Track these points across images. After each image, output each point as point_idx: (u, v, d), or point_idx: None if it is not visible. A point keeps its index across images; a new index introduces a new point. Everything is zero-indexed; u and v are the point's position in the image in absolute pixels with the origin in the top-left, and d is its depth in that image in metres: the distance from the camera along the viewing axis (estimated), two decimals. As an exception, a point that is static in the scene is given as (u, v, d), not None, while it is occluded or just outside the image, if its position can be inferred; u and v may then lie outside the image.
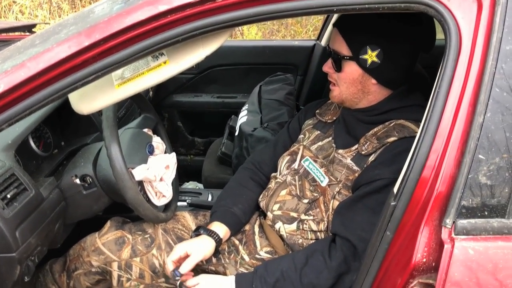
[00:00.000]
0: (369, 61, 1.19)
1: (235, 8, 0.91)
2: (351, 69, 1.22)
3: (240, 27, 4.90)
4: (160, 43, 0.92)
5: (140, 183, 1.32)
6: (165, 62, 1.00)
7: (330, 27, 2.36)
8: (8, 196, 1.12)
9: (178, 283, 1.22)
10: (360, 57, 1.20)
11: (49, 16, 5.86)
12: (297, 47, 2.56)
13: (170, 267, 1.27)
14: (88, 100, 1.03)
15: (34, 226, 1.17)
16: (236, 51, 2.56)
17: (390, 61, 1.20)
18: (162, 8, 0.89)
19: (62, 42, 0.92)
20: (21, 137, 1.29)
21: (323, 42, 2.41)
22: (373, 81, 1.23)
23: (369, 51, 1.19)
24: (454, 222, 0.84)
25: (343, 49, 1.22)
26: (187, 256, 1.27)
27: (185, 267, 1.24)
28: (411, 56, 1.24)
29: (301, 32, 5.18)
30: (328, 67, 1.28)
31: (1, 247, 1.07)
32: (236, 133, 2.09)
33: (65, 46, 0.91)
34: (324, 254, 1.18)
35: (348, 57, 1.21)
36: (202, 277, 1.24)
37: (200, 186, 2.48)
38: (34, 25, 2.36)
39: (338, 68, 1.24)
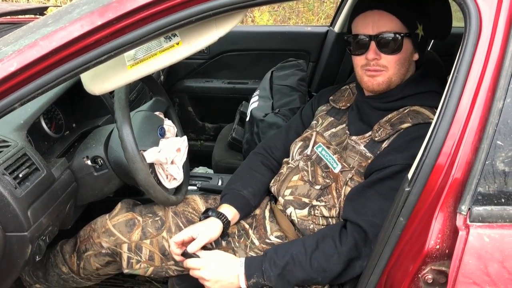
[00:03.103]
0: (420, 36, 1.20)
1: (249, -12, 0.90)
2: (406, 46, 1.20)
3: (252, 14, 4.86)
4: (173, 23, 0.91)
5: (151, 165, 1.32)
6: (178, 43, 0.99)
7: (344, 13, 2.32)
8: (20, 175, 1.12)
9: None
10: (415, 32, 1.19)
11: (60, 1, 5.86)
12: (310, 33, 2.53)
13: (173, 248, 1.27)
14: (100, 81, 1.02)
15: (46, 206, 1.18)
16: (248, 36, 2.54)
17: (428, 34, 1.22)
18: (176, -13, 0.88)
19: (75, 21, 0.92)
20: (33, 118, 1.29)
21: (336, 29, 2.38)
22: (415, 57, 1.24)
23: (419, 26, 1.19)
24: (469, 209, 0.83)
25: (398, 27, 1.17)
26: (191, 239, 1.27)
27: (192, 248, 1.24)
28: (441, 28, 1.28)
29: (313, 20, 5.11)
30: (374, 53, 1.19)
31: (13, 226, 1.08)
32: (247, 118, 2.08)
33: (77, 25, 0.91)
34: (335, 239, 1.17)
35: (407, 34, 1.18)
36: (215, 252, 1.24)
37: (210, 171, 2.48)
38: (46, 8, 2.36)
39: (397, 49, 1.18)
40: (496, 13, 0.86)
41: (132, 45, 0.92)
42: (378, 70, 1.21)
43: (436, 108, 0.92)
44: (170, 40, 0.99)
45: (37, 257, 1.18)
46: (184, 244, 1.28)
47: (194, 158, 2.55)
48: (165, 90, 1.62)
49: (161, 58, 1.00)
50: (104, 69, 1.01)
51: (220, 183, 1.96)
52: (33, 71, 0.92)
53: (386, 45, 1.18)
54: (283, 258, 1.17)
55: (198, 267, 1.20)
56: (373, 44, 1.19)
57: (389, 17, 1.18)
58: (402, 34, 1.18)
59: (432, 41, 2.04)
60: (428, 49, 1.70)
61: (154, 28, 0.91)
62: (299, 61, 2.23)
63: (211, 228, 1.29)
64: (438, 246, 0.86)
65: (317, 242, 1.18)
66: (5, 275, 1.15)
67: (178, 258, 1.28)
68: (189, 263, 1.22)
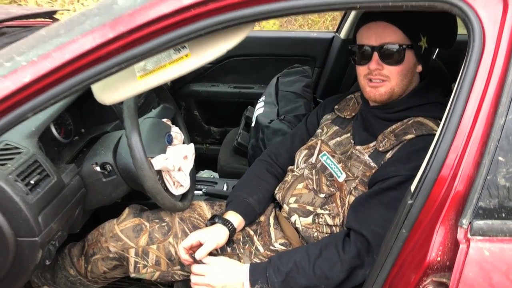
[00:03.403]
0: (423, 48, 1.22)
1: (258, 2, 0.92)
2: (409, 58, 1.21)
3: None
4: (182, 36, 0.93)
5: (159, 172, 1.34)
6: (186, 55, 1.01)
7: (350, 20, 2.34)
8: (32, 182, 1.15)
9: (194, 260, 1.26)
10: (418, 44, 1.21)
11: (68, 0, 5.90)
12: (316, 39, 2.55)
13: (182, 253, 1.30)
14: (111, 91, 1.05)
15: (56, 211, 1.21)
16: (254, 41, 2.56)
17: (432, 46, 1.24)
18: (186, 1, 0.90)
19: (87, 34, 0.94)
20: (44, 125, 1.32)
21: (342, 35, 2.40)
22: (419, 69, 1.25)
23: (422, 38, 1.21)
24: (470, 222, 0.85)
25: (400, 39, 1.19)
26: (199, 244, 1.29)
27: (199, 254, 1.26)
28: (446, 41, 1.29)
29: (319, 22, 5.13)
30: (377, 63, 1.22)
31: (25, 231, 1.11)
32: (253, 124, 2.11)
33: (89, 37, 0.93)
34: (338, 247, 1.19)
35: (409, 46, 1.20)
36: (220, 258, 1.27)
37: (215, 174, 2.51)
38: (54, 12, 2.38)
39: (399, 60, 1.20)
40: (500, 30, 0.87)
41: (142, 57, 0.95)
42: (380, 80, 1.23)
43: (440, 119, 0.94)
44: (179, 52, 1.01)
45: (47, 261, 1.21)
46: (192, 248, 1.30)
47: (200, 162, 2.57)
48: (171, 94, 1.64)
49: (170, 70, 1.02)
50: (115, 80, 1.03)
51: (225, 188, 1.99)
52: (46, 82, 0.94)
53: (389, 56, 1.20)
54: (287, 265, 1.19)
55: (204, 273, 1.23)
56: (375, 55, 1.21)
57: (392, 29, 1.20)
58: (404, 46, 1.19)
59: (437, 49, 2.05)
60: (433, 57, 1.72)
61: (164, 41, 0.93)
62: (305, 68, 2.26)
63: (218, 234, 1.31)
64: (439, 258, 0.87)
65: (320, 250, 1.20)
66: (16, 279, 1.17)
67: (186, 263, 1.30)
68: (195, 269, 1.25)
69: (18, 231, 1.11)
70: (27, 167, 1.16)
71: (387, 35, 1.20)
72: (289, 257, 1.22)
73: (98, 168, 1.34)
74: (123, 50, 0.93)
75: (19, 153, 1.18)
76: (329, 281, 1.18)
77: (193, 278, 1.26)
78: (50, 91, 0.95)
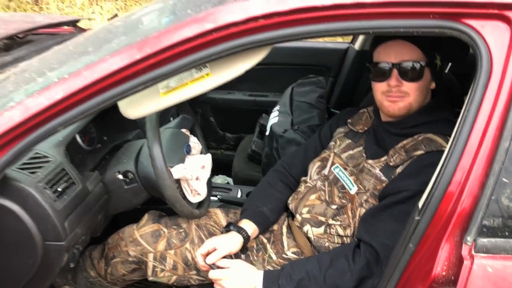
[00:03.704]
0: (438, 66, 1.28)
1: (276, 27, 0.97)
2: (426, 75, 1.27)
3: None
4: (204, 58, 0.99)
5: (177, 181, 1.41)
6: (207, 74, 1.07)
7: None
8: (59, 189, 1.22)
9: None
10: (434, 62, 1.27)
11: (88, 3, 6.03)
12: (331, 49, 2.59)
13: (199, 260, 1.36)
14: (136, 107, 1.11)
15: (80, 217, 1.28)
16: (270, 51, 2.61)
17: (444, 64, 1.29)
18: (208, 26, 0.96)
19: (115, 54, 1.00)
20: (71, 135, 1.40)
21: (356, 46, 2.44)
22: (433, 85, 1.31)
23: (437, 56, 1.27)
24: (474, 239, 0.89)
25: (419, 57, 1.25)
26: (214, 250, 1.35)
27: (211, 259, 1.32)
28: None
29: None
30: (397, 80, 1.25)
31: (52, 236, 1.18)
32: (267, 133, 2.16)
33: (118, 58, 0.99)
34: (348, 258, 1.24)
35: (427, 63, 1.25)
36: (236, 262, 1.32)
37: (229, 179, 2.57)
38: (78, 20, 2.47)
39: (418, 77, 1.25)
40: (507, 56, 0.91)
41: (167, 77, 1.01)
42: (399, 96, 1.27)
43: (449, 136, 0.98)
44: (200, 71, 1.07)
45: (72, 264, 1.28)
46: (208, 254, 1.36)
47: (214, 167, 2.63)
48: (188, 101, 1.70)
49: (192, 88, 1.08)
50: (140, 96, 1.09)
51: (239, 195, 2.05)
52: (76, 98, 1.01)
53: (408, 73, 1.24)
54: (299, 274, 1.24)
55: (221, 277, 1.28)
56: (395, 72, 1.25)
57: (411, 47, 1.24)
58: (423, 63, 1.24)
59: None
60: (446, 70, 1.75)
61: (187, 62, 0.99)
62: (319, 78, 2.30)
63: (232, 241, 1.37)
64: (444, 273, 0.92)
65: (331, 260, 1.25)
66: (43, 280, 1.25)
67: (204, 269, 1.36)
68: (212, 274, 1.31)
69: (46, 235, 1.18)
70: (55, 175, 1.23)
71: (406, 53, 1.24)
72: (301, 266, 1.27)
73: (120, 176, 1.41)
74: (149, 70, 0.99)
75: (47, 161, 1.25)
76: (352, 283, 1.22)
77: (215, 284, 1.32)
78: (80, 107, 1.02)
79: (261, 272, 1.29)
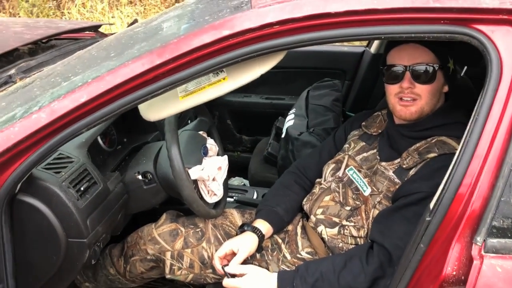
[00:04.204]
0: (451, 69, 1.29)
1: (290, 33, 1.01)
2: (439, 78, 1.28)
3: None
4: (221, 63, 1.03)
5: (195, 181, 1.45)
6: (224, 79, 1.11)
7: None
8: (82, 188, 1.27)
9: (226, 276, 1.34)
10: (447, 65, 1.28)
11: (108, 8, 6.14)
12: (347, 53, 2.61)
13: (217, 263, 1.38)
14: (155, 109, 1.16)
15: (102, 216, 1.33)
16: (286, 54, 2.64)
17: (458, 67, 1.29)
18: (226, 32, 1.00)
19: (136, 59, 1.05)
20: (93, 137, 1.45)
21: (372, 49, 2.46)
22: (445, 89, 1.32)
23: (450, 59, 1.29)
24: (484, 240, 0.91)
25: (431, 60, 1.26)
26: (232, 253, 1.38)
27: (232, 269, 1.34)
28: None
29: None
30: (410, 82, 1.27)
31: (75, 233, 1.23)
32: (283, 135, 2.19)
33: (139, 63, 1.04)
34: (362, 259, 1.26)
35: (440, 66, 1.27)
36: (251, 268, 1.35)
37: (245, 181, 2.60)
38: (99, 26, 2.54)
39: (431, 79, 1.27)
40: (516, 61, 0.93)
41: (185, 81, 1.05)
42: (412, 100, 1.29)
43: (463, 139, 1.00)
44: (217, 75, 1.12)
45: (93, 260, 1.33)
46: (226, 257, 1.39)
47: (231, 169, 2.67)
48: (206, 104, 1.74)
49: (209, 91, 1.13)
50: (159, 100, 1.14)
51: (255, 196, 2.08)
52: (99, 101, 1.06)
53: (420, 76, 1.26)
54: (313, 276, 1.26)
55: (237, 286, 1.31)
56: (408, 74, 1.27)
57: (424, 50, 1.26)
58: (435, 66, 1.26)
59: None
60: (462, 73, 1.76)
61: (204, 67, 1.03)
62: (335, 81, 2.33)
63: (250, 242, 1.40)
64: (454, 273, 0.94)
65: (345, 261, 1.27)
66: (66, 275, 1.30)
67: (220, 272, 1.38)
68: (226, 282, 1.33)
69: (69, 232, 1.23)
70: (78, 175, 1.29)
71: (419, 56, 1.27)
72: (315, 267, 1.29)
73: (140, 177, 1.46)
74: (168, 74, 1.04)
75: (71, 162, 1.31)
76: (365, 283, 1.24)
77: None
78: (103, 109, 1.07)
79: (275, 274, 1.32)
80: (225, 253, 1.38)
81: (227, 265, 1.36)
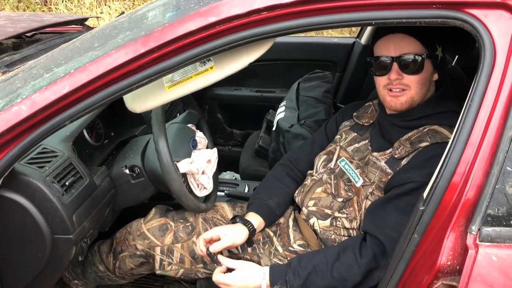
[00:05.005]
0: (439, 57, 1.26)
1: (278, 20, 0.98)
2: (427, 67, 1.26)
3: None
4: (208, 51, 1.00)
5: (184, 175, 1.42)
6: (211, 68, 1.08)
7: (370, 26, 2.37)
8: (67, 183, 1.24)
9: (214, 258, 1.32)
10: (435, 53, 1.26)
11: (96, 4, 6.07)
12: (337, 44, 2.59)
13: (201, 243, 1.35)
14: (141, 100, 1.13)
15: (88, 211, 1.29)
16: (275, 46, 2.56)
17: (446, 55, 1.27)
18: (212, 19, 0.97)
19: (120, 48, 1.02)
20: (78, 130, 1.42)
21: (363, 40, 2.44)
22: (435, 77, 1.30)
23: (438, 47, 1.26)
24: (479, 229, 0.89)
25: (419, 49, 1.24)
26: (218, 239, 1.35)
27: (214, 248, 1.31)
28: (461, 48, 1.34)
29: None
30: (397, 73, 1.25)
31: (60, 229, 1.20)
32: (274, 128, 2.16)
33: (122, 52, 1.01)
34: (355, 251, 1.24)
35: (427, 55, 1.24)
36: (242, 263, 1.32)
37: (237, 176, 2.58)
38: (86, 19, 2.49)
39: (418, 69, 1.25)
40: (510, 46, 0.91)
41: (171, 70, 1.02)
42: (401, 90, 1.27)
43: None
44: (204, 65, 1.09)
45: (80, 257, 1.30)
46: (211, 242, 1.36)
47: (222, 163, 2.65)
48: (195, 98, 1.71)
49: (196, 81, 1.10)
50: (144, 90, 1.11)
51: (246, 190, 2.05)
52: (82, 92, 1.02)
53: (408, 66, 1.24)
54: (306, 268, 1.24)
55: (228, 283, 1.27)
56: (395, 65, 1.25)
57: (410, 40, 1.24)
58: (423, 56, 1.24)
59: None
60: (453, 64, 1.74)
61: (191, 56, 1.00)
62: (325, 73, 2.30)
63: (237, 232, 1.37)
64: (449, 263, 0.92)
65: (338, 253, 1.25)
66: (52, 273, 1.27)
67: (202, 254, 1.35)
68: (216, 278, 1.29)
69: (55, 229, 1.20)
70: (62, 169, 1.25)
71: (405, 46, 1.24)
72: (308, 260, 1.27)
73: (127, 171, 1.43)
74: (153, 63, 1.00)
75: (55, 156, 1.27)
76: (347, 282, 1.22)
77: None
78: (86, 101, 1.03)
79: (267, 268, 1.29)
80: (211, 237, 1.35)
81: (220, 253, 1.33)
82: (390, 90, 1.29)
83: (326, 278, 1.23)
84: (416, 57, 1.24)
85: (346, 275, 1.22)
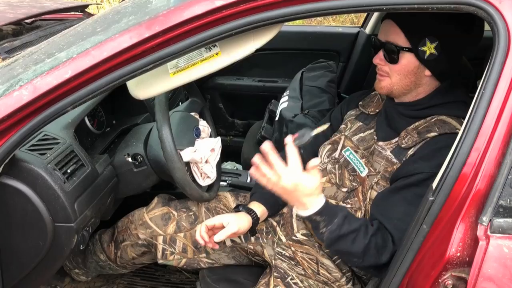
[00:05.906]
0: (428, 53, 1.21)
1: (286, 4, 0.95)
2: (407, 60, 1.23)
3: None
4: (214, 36, 0.97)
5: (187, 164, 1.40)
6: (217, 54, 1.05)
7: (375, 15, 2.34)
8: (68, 171, 1.22)
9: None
10: (419, 48, 1.21)
11: (96, -10, 6.00)
12: (341, 34, 2.56)
13: (202, 229, 1.30)
14: (145, 87, 1.10)
15: (90, 199, 1.28)
16: (279, 35, 2.56)
17: (447, 54, 1.21)
18: (219, 3, 0.94)
19: (124, 33, 0.99)
20: (80, 117, 1.39)
21: (367, 30, 2.41)
22: (427, 73, 1.25)
23: (428, 43, 1.21)
24: (490, 220, 0.87)
25: (400, 40, 1.22)
26: (221, 227, 1.32)
27: (219, 236, 1.26)
28: (465, 48, 1.27)
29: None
30: (379, 59, 1.27)
31: (62, 217, 1.18)
32: (277, 118, 2.14)
33: (126, 36, 0.98)
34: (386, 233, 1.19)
35: (406, 49, 1.22)
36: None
37: (238, 166, 2.56)
38: (86, 6, 2.46)
39: (394, 60, 1.24)
40: (525, 33, 0.89)
41: (176, 56, 0.99)
42: (383, 75, 1.29)
43: (463, 118, 0.95)
44: (210, 50, 1.06)
45: (81, 246, 1.28)
46: (213, 229, 1.32)
47: (223, 153, 2.62)
48: (197, 87, 1.69)
49: (201, 67, 1.07)
50: (149, 76, 1.08)
51: (248, 180, 2.04)
52: (85, 78, 1.00)
53: (387, 54, 1.25)
54: (349, 226, 1.17)
55: (294, 181, 1.16)
56: (382, 50, 1.26)
57: (395, 29, 1.23)
58: (401, 48, 1.22)
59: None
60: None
61: (196, 41, 0.97)
62: (329, 63, 2.27)
63: (242, 220, 1.34)
64: (458, 254, 0.90)
65: (378, 228, 1.19)
66: (53, 261, 1.25)
67: (201, 240, 1.31)
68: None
69: (56, 217, 1.18)
70: (64, 156, 1.23)
71: (390, 34, 1.24)
72: (353, 221, 1.18)
73: (129, 159, 1.41)
74: (158, 48, 0.98)
75: (57, 143, 1.25)
76: (377, 259, 1.17)
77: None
78: (89, 86, 1.01)
79: (323, 199, 1.18)
80: (214, 224, 1.31)
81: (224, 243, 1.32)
82: (378, 70, 1.31)
83: (358, 247, 1.17)
84: (393, 47, 1.22)
85: (380, 250, 1.17)
